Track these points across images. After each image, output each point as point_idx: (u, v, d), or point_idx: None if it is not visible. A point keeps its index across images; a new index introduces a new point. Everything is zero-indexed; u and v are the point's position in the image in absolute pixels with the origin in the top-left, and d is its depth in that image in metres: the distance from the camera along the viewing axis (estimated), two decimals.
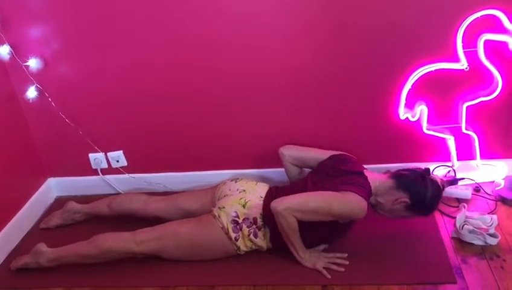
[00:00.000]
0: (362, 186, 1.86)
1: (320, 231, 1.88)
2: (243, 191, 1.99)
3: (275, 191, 1.98)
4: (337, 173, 1.94)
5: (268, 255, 1.97)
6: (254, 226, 1.89)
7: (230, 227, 1.88)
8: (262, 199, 1.95)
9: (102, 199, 2.29)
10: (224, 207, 1.92)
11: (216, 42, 2.14)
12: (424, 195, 1.86)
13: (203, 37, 2.13)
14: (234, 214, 1.89)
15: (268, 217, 1.87)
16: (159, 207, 2.13)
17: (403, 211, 1.90)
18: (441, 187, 1.91)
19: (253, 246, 1.93)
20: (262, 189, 2.01)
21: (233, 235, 1.88)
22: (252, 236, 1.89)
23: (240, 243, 1.90)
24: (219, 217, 1.89)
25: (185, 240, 1.90)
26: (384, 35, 2.06)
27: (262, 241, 1.92)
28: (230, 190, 2.02)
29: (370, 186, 1.89)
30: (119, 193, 2.52)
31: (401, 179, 1.90)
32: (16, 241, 2.26)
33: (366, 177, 1.91)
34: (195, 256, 1.95)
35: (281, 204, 1.77)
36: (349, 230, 1.95)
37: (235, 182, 2.07)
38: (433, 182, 1.89)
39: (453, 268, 1.82)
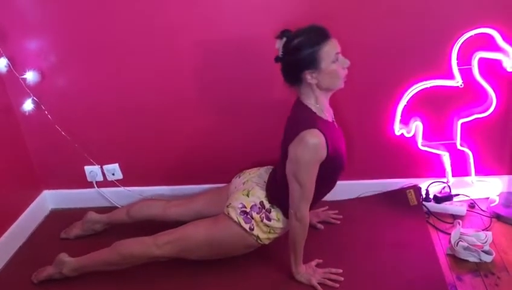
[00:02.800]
0: (307, 118, 1.72)
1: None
2: (246, 182, 1.99)
3: (274, 171, 1.96)
4: (287, 124, 1.82)
5: (264, 270, 1.97)
6: (263, 210, 1.87)
7: (241, 219, 1.86)
8: (265, 183, 1.95)
9: (121, 208, 2.30)
10: (230, 203, 1.91)
11: (212, 52, 2.15)
12: (298, 49, 1.66)
13: (199, 50, 2.15)
14: (240, 205, 1.88)
15: (273, 196, 1.88)
16: (178, 212, 2.12)
17: (322, 72, 1.67)
18: (288, 34, 1.69)
19: (272, 232, 1.89)
20: (266, 173, 2.00)
21: (246, 225, 1.85)
22: (265, 221, 1.86)
23: (256, 231, 1.86)
24: (229, 214, 1.88)
25: (204, 239, 1.89)
26: (381, 52, 2.08)
27: (278, 223, 1.88)
28: (236, 187, 2.03)
29: (310, 109, 1.75)
30: (115, 206, 2.51)
31: (287, 74, 1.74)
32: (10, 253, 2.25)
33: (305, 105, 1.76)
34: (218, 254, 1.94)
35: (298, 215, 1.76)
36: (337, 169, 1.85)
37: (239, 177, 2.08)
38: (287, 40, 1.69)
39: (448, 285, 1.82)
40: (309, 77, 1.69)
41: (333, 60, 1.67)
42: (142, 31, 2.14)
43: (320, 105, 1.77)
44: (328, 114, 1.82)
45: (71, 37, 2.19)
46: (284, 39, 1.70)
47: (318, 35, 1.67)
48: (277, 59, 1.72)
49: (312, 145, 1.67)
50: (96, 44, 2.19)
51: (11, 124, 2.36)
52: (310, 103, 1.76)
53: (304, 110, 1.76)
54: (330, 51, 1.66)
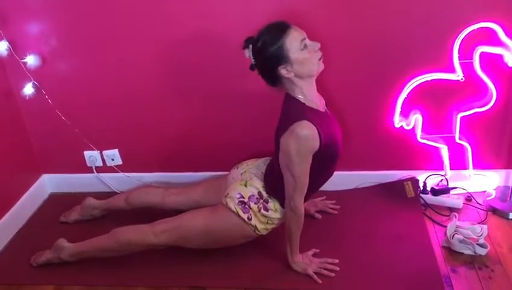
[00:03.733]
0: (296, 110, 1.73)
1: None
2: (244, 173, 2.00)
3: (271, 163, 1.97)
4: (280, 117, 1.83)
5: (261, 259, 1.99)
6: (261, 201, 1.88)
7: (239, 209, 1.86)
8: (263, 174, 1.96)
9: (119, 194, 2.32)
10: (228, 193, 1.92)
11: (213, 40, 2.15)
12: (264, 50, 1.68)
13: (201, 35, 2.14)
14: (238, 196, 1.88)
15: (270, 186, 1.89)
16: (176, 200, 2.14)
17: (294, 63, 1.67)
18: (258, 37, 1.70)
19: (270, 222, 1.90)
20: (264, 164, 2.01)
21: (244, 215, 1.86)
22: (263, 211, 1.87)
23: (254, 221, 1.87)
24: (227, 204, 1.89)
25: (202, 229, 1.90)
26: (383, 45, 2.08)
27: (275, 213, 1.89)
28: (233, 178, 2.04)
29: (299, 101, 1.76)
30: (114, 191, 2.53)
31: (265, 77, 1.77)
32: (9, 236, 2.27)
33: (293, 97, 1.77)
34: (216, 243, 1.96)
35: (292, 205, 1.78)
36: (333, 157, 1.85)
37: (237, 168, 2.09)
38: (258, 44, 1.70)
39: (442, 277, 1.84)
40: (284, 71, 1.70)
41: (301, 48, 1.67)
42: (143, 18, 2.13)
43: (308, 95, 1.77)
44: (319, 103, 1.82)
45: (72, 22, 2.18)
46: (250, 46, 1.72)
47: (278, 29, 1.68)
48: (251, 67, 1.75)
49: (303, 137, 1.68)
50: (98, 30, 2.18)
51: (11, 107, 2.36)
52: (298, 95, 1.77)
53: (293, 103, 1.77)
54: (294, 41, 1.66)
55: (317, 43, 1.71)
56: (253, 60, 1.73)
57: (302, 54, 1.68)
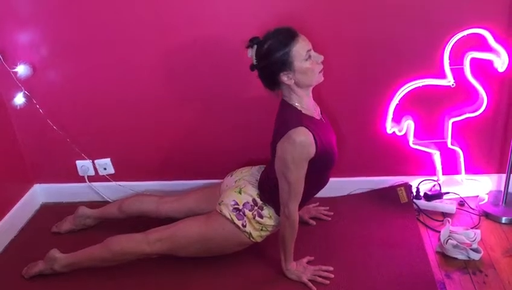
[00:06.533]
0: (293, 117, 1.74)
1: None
2: (238, 180, 2.00)
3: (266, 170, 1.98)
4: (276, 124, 1.84)
5: (254, 267, 1.99)
6: (256, 208, 1.88)
7: (233, 216, 1.86)
8: (257, 181, 1.96)
9: (112, 203, 2.30)
10: (223, 201, 1.92)
11: (206, 50, 2.15)
12: (269, 54, 1.68)
13: (193, 44, 2.14)
14: (233, 203, 1.88)
15: (265, 193, 1.89)
16: (170, 209, 2.12)
17: (296, 72, 1.69)
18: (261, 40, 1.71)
19: (264, 229, 1.89)
20: (258, 172, 2.01)
21: (239, 222, 1.86)
22: (257, 218, 1.87)
23: (248, 228, 1.87)
24: (221, 211, 1.88)
25: (196, 237, 1.89)
26: (374, 51, 2.09)
27: (270, 220, 1.89)
28: (227, 185, 2.04)
29: (295, 108, 1.76)
30: (106, 200, 2.51)
31: (264, 80, 1.77)
32: (1, 247, 2.24)
33: (290, 104, 1.78)
34: (210, 252, 1.95)
35: (286, 211, 1.78)
36: (328, 165, 1.86)
37: (231, 176, 2.08)
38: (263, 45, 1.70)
39: (437, 282, 1.84)
40: (285, 78, 1.71)
41: (305, 58, 1.68)
42: (135, 26, 2.12)
43: (304, 104, 1.78)
44: (314, 111, 1.83)
45: (63, 30, 2.17)
46: (255, 47, 1.72)
47: (286, 36, 1.68)
48: (252, 67, 1.75)
49: (299, 143, 1.68)
50: (88, 39, 2.17)
51: (2, 117, 2.34)
52: (294, 102, 1.77)
53: (289, 110, 1.77)
54: (301, 50, 1.67)
55: (321, 56, 1.72)
56: (255, 61, 1.73)
57: (306, 64, 1.68)
